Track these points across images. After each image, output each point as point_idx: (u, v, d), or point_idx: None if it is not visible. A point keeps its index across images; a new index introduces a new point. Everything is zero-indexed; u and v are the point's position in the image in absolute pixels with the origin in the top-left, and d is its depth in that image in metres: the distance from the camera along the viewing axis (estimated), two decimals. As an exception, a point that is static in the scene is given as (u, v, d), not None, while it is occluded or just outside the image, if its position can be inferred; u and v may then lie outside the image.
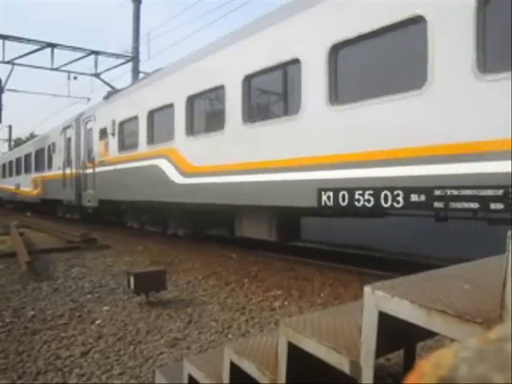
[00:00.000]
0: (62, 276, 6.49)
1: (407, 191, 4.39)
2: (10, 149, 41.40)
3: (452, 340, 1.29)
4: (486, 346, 0.38)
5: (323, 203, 5.24)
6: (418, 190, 4.28)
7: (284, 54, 5.79)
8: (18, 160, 21.73)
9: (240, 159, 6.56)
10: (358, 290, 4.55)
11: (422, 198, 4.24)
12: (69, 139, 13.99)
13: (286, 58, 5.75)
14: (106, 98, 12.39)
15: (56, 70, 18.34)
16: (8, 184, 23.50)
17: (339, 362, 1.54)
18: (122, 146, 10.47)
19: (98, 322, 4.30)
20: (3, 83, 18.03)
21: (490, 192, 3.74)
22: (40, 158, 17.50)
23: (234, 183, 6.65)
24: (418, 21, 4.29)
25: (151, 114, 9.10)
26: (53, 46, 17.34)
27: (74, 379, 3.03)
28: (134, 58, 18.72)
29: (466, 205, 3.94)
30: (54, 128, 16.27)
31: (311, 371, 1.89)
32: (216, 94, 7.25)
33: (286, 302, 4.88)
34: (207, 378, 2.11)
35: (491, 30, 3.68)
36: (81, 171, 12.87)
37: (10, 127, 48.79)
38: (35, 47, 17.19)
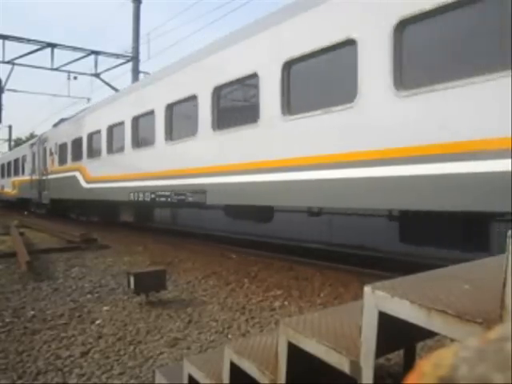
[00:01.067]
0: (62, 276, 6.49)
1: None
2: (10, 149, 41.52)
3: (452, 340, 1.29)
4: (486, 345, 0.38)
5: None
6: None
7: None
8: (3, 166, 26.66)
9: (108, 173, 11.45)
10: (358, 290, 4.55)
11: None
12: (33, 153, 19.12)
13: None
14: (55, 125, 17.68)
15: (56, 70, 18.37)
16: None
17: (339, 362, 1.54)
18: (60, 161, 15.41)
19: (98, 321, 4.30)
20: (3, 83, 18.04)
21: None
22: (17, 166, 22.54)
23: (113, 187, 11.08)
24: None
25: (73, 142, 14.00)
26: (53, 45, 17.35)
27: (74, 379, 3.03)
28: (134, 58, 18.72)
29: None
30: (26, 144, 22.36)
31: (311, 371, 1.89)
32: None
33: (286, 302, 4.88)
34: (207, 378, 2.11)
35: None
36: (40, 177, 17.70)
37: (9, 127, 48.86)
38: (35, 47, 17.22)
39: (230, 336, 3.87)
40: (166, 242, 9.92)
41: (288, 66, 5.85)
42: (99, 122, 11.97)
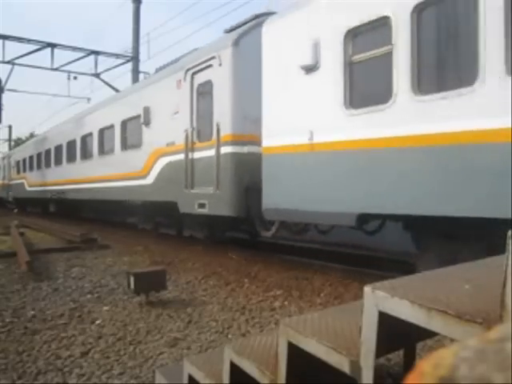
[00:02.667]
0: (62, 276, 6.49)
1: None
2: (10, 149, 41.67)
3: (452, 340, 1.29)
4: (486, 345, 0.38)
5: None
6: None
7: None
8: None
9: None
10: (358, 290, 4.55)
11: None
12: (4, 165, 28.07)
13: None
14: (15, 146, 32.09)
15: (56, 70, 18.36)
16: None
17: (339, 362, 1.54)
18: (16, 172, 23.98)
19: (98, 321, 4.30)
20: (3, 83, 18.04)
21: None
22: None
23: (40, 190, 18.86)
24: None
25: (23, 160, 22.54)
26: (53, 45, 17.35)
27: (74, 379, 3.03)
28: (134, 58, 18.72)
29: None
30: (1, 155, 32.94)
31: (311, 371, 1.89)
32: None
33: (286, 302, 4.88)
34: (207, 378, 2.11)
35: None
36: (8, 182, 26.37)
37: (9, 127, 48.81)
38: (35, 47, 17.22)
39: (229, 336, 3.87)
40: (166, 242, 9.92)
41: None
42: (32, 149, 20.81)
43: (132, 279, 4.77)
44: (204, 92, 7.63)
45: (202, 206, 7.40)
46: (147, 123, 9.45)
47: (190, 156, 7.86)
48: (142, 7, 18.39)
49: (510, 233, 1.18)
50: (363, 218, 5.04)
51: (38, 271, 6.68)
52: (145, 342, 3.71)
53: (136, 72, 18.65)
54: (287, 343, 1.75)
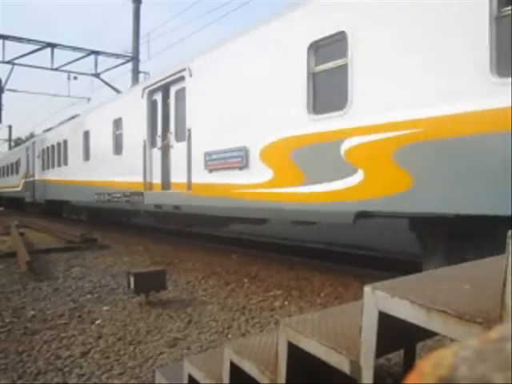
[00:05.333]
0: (61, 276, 6.49)
1: None
2: (10, 149, 41.77)
3: (452, 340, 1.29)
4: (485, 345, 0.38)
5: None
6: None
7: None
8: None
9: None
10: (358, 290, 4.55)
11: None
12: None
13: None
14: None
15: (56, 70, 18.35)
16: None
17: (339, 362, 1.54)
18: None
19: (98, 321, 4.30)
20: (3, 83, 18.04)
21: None
22: None
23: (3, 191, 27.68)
24: None
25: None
26: (53, 45, 17.33)
27: (74, 379, 3.03)
28: (134, 58, 18.71)
29: None
30: None
31: (311, 371, 1.89)
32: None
33: (286, 302, 4.88)
34: (207, 378, 2.11)
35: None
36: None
37: (9, 127, 48.85)
38: (35, 47, 17.20)
39: (229, 336, 3.87)
40: (165, 242, 9.92)
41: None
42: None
43: (132, 279, 4.77)
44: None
45: None
46: None
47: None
48: (142, 7, 18.40)
49: (509, 233, 1.18)
50: None
51: (37, 271, 6.68)
52: (145, 342, 3.71)
53: (136, 72, 18.64)
54: (287, 343, 1.75)
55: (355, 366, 1.48)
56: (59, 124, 17.37)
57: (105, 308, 4.78)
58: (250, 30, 6.54)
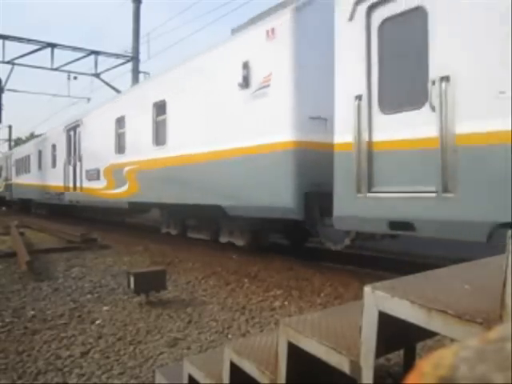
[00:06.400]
0: (61, 276, 6.49)
1: None
2: (10, 149, 41.92)
3: (452, 340, 1.29)
4: (485, 345, 0.38)
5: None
6: None
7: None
8: None
9: None
10: (358, 290, 4.55)
11: None
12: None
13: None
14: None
15: (56, 70, 18.35)
16: None
17: (339, 362, 1.54)
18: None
19: (98, 321, 4.30)
20: (3, 83, 18.04)
21: None
22: None
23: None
24: None
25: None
26: (53, 45, 17.34)
27: (74, 379, 3.03)
28: (134, 58, 18.71)
29: None
30: None
31: (311, 371, 1.89)
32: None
33: (286, 302, 4.88)
34: (207, 378, 2.11)
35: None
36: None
37: (9, 127, 48.80)
38: (35, 47, 17.20)
39: (230, 336, 3.87)
40: (165, 242, 9.92)
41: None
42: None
43: (132, 279, 4.77)
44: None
45: None
46: None
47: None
48: (142, 7, 18.40)
49: (509, 233, 1.18)
50: None
51: (37, 271, 6.68)
52: (145, 342, 3.71)
53: (136, 72, 18.65)
54: (287, 343, 1.75)
55: (355, 366, 1.48)
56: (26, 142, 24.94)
57: (105, 308, 4.78)
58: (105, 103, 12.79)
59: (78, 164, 13.68)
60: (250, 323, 4.19)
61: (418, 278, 1.67)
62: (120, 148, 10.91)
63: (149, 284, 4.84)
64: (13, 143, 48.52)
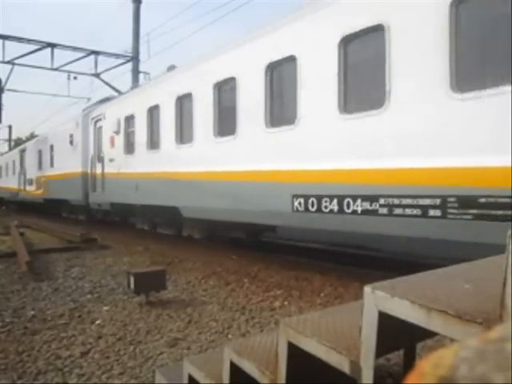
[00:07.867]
0: (61, 276, 6.49)
1: None
2: (10, 149, 42.02)
3: (452, 340, 1.29)
4: (486, 345, 0.38)
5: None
6: None
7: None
8: None
9: None
10: (358, 290, 4.55)
11: None
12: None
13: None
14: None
15: (56, 70, 18.35)
16: None
17: (339, 362, 1.54)
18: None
19: (98, 321, 4.30)
20: (3, 83, 18.05)
21: None
22: None
23: None
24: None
25: None
26: (53, 45, 17.34)
27: (74, 379, 3.03)
28: (134, 58, 18.71)
29: None
30: None
31: (311, 371, 1.89)
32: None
33: (285, 302, 4.88)
34: (207, 378, 2.11)
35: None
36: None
37: (9, 127, 48.84)
38: (35, 47, 17.20)
39: (229, 336, 3.87)
40: (166, 242, 9.92)
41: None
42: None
43: (132, 279, 4.78)
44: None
45: None
46: None
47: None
48: (142, 7, 18.40)
49: (509, 232, 1.18)
50: None
51: (37, 271, 6.68)
52: (145, 342, 3.71)
53: (136, 72, 18.64)
54: (287, 343, 1.75)
55: (355, 366, 1.48)
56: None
57: (105, 308, 4.78)
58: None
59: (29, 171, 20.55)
60: (249, 323, 4.19)
61: (418, 277, 1.67)
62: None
63: (149, 284, 4.84)
64: (13, 143, 48.54)
